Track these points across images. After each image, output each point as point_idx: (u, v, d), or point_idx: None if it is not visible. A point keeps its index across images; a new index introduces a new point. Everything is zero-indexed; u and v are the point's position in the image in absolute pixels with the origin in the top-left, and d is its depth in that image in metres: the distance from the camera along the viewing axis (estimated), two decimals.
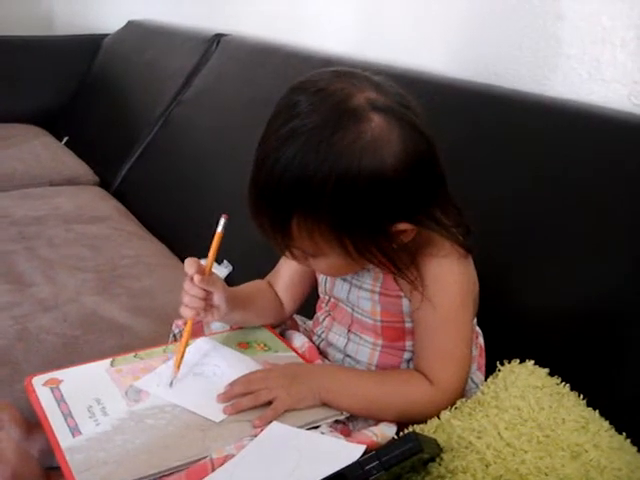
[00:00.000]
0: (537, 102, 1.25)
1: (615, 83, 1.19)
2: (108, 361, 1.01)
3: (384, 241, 0.86)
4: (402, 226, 0.86)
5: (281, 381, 0.91)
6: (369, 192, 0.81)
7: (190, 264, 0.96)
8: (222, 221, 0.97)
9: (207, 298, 0.97)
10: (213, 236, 0.97)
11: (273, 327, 1.11)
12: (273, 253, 1.15)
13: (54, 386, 0.94)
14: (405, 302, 0.95)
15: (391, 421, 0.90)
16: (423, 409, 0.88)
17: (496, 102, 1.28)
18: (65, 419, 0.88)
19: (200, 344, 1.02)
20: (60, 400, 0.91)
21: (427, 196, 0.87)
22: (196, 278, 0.95)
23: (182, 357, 0.96)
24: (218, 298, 0.98)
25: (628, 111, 1.15)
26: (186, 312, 0.97)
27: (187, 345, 0.97)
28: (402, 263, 0.89)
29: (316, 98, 0.82)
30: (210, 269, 0.97)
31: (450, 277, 0.91)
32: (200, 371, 0.97)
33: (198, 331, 1.10)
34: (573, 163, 1.10)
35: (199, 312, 0.97)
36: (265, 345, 1.05)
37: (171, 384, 0.94)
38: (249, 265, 1.10)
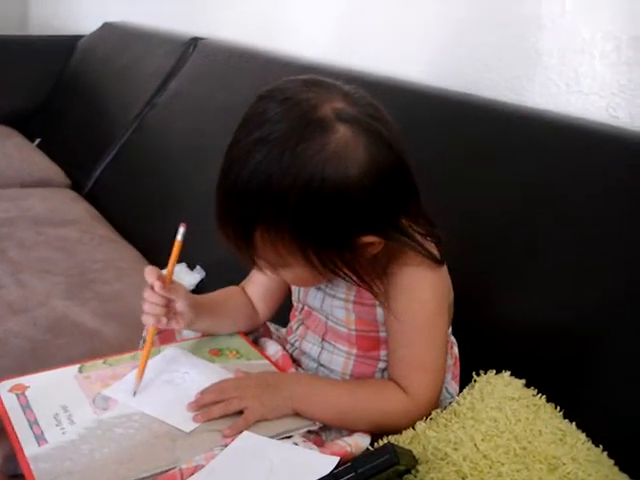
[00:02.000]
0: (515, 112, 1.25)
1: (593, 95, 1.20)
2: (76, 367, 0.99)
3: (349, 254, 0.84)
4: (368, 239, 0.84)
5: (253, 390, 0.89)
6: (333, 204, 0.80)
7: (150, 273, 0.96)
8: (181, 230, 0.96)
9: (169, 305, 0.96)
10: (172, 245, 0.96)
11: (246, 334, 1.09)
12: None
13: (20, 392, 0.92)
14: (380, 311, 0.94)
15: (365, 431, 0.89)
16: (397, 420, 0.88)
17: (473, 112, 1.28)
18: (31, 427, 0.85)
19: (169, 352, 1.01)
20: (26, 407, 0.89)
21: (394, 208, 0.86)
22: (156, 285, 0.94)
23: (144, 366, 0.94)
24: (181, 305, 0.97)
25: (606, 122, 1.16)
26: (147, 320, 0.97)
27: (149, 353, 0.95)
28: (369, 275, 0.88)
29: (283, 107, 0.81)
30: (170, 277, 0.97)
31: (423, 286, 0.90)
32: (169, 379, 0.95)
33: (170, 338, 1.08)
34: (551, 174, 1.10)
35: (160, 319, 0.96)
36: (237, 352, 1.03)
37: (134, 394, 0.92)
38: (223, 271, 1.09)
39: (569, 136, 1.13)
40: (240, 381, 0.93)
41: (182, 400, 0.90)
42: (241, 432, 0.85)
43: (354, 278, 0.87)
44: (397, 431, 0.86)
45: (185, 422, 0.87)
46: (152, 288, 0.95)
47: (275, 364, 1.01)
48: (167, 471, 0.79)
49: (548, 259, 1.05)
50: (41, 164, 2.46)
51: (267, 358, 1.03)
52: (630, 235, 0.97)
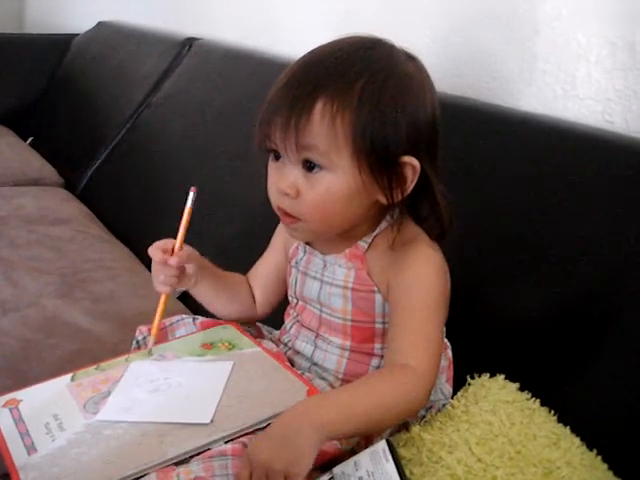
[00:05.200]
0: (511, 116, 1.25)
1: (589, 100, 1.19)
2: (69, 376, 0.99)
3: (392, 170, 0.87)
4: (409, 159, 0.87)
5: (270, 452, 0.74)
6: (394, 98, 0.85)
7: (155, 250, 1.01)
8: (191, 195, 1.01)
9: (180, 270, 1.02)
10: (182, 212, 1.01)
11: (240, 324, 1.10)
12: (245, 255, 1.14)
13: (13, 406, 0.93)
14: (378, 298, 0.93)
15: (395, 424, 0.87)
16: (418, 402, 0.84)
17: (469, 115, 1.28)
18: (22, 438, 0.86)
19: (136, 366, 1.00)
20: (18, 420, 0.90)
21: (434, 144, 0.91)
22: (172, 260, 0.99)
23: (157, 327, 1.04)
24: (190, 268, 1.03)
25: (601, 127, 1.16)
26: (162, 288, 1.02)
27: (162, 317, 1.04)
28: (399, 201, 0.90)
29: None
30: (181, 244, 1.01)
31: (429, 265, 0.91)
32: (154, 388, 0.94)
33: (162, 338, 1.08)
34: (546, 178, 1.10)
35: (174, 286, 1.02)
36: (230, 343, 1.03)
37: (150, 352, 1.01)
38: (221, 267, 1.09)
39: (565, 141, 1.13)
40: (251, 451, 0.76)
41: (180, 399, 0.91)
42: None
43: (390, 196, 0.88)
44: (419, 411, 0.87)
45: (200, 415, 0.87)
46: (165, 263, 1.00)
47: (268, 351, 1.01)
48: (154, 467, 0.79)
49: (542, 263, 1.05)
50: (34, 163, 2.45)
51: (260, 346, 1.02)
52: (626, 238, 0.97)
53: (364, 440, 0.87)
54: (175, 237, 1.01)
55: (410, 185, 0.88)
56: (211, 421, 0.85)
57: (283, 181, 0.89)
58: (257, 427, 0.85)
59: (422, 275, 0.90)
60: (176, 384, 0.94)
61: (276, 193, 0.91)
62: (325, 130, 0.84)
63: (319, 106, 0.84)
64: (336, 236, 0.95)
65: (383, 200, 0.89)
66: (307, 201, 0.88)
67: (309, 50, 0.91)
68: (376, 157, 0.86)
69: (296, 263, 1.02)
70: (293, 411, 0.79)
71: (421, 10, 1.53)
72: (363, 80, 0.85)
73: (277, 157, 0.90)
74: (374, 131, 0.85)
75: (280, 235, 1.08)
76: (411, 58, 0.92)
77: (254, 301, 1.11)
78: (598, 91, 1.18)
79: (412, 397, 0.83)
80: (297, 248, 1.03)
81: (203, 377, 0.95)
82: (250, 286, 1.11)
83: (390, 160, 0.86)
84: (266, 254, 1.12)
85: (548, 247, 1.05)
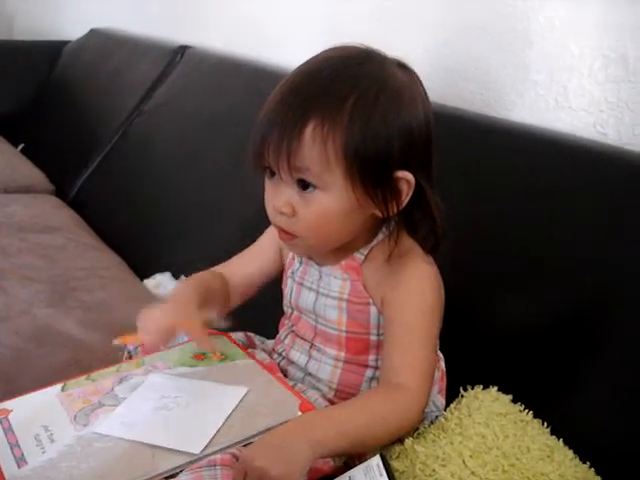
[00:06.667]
0: (503, 128, 1.25)
1: (582, 111, 1.20)
2: (59, 386, 0.98)
3: (386, 187, 0.86)
4: (403, 174, 0.86)
5: (265, 461, 0.75)
6: (385, 117, 0.84)
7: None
8: None
9: None
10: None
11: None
12: None
13: (3, 417, 0.92)
14: (373, 310, 0.93)
15: (387, 443, 0.86)
16: (412, 419, 0.85)
17: (462, 126, 1.28)
18: (11, 449, 0.85)
19: (154, 379, 0.98)
20: (7, 430, 0.89)
21: (428, 156, 0.90)
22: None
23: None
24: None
25: (594, 139, 1.16)
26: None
27: None
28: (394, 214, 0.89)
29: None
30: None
31: (422, 278, 0.91)
32: (162, 405, 0.92)
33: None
34: (538, 190, 1.10)
35: None
36: (222, 354, 1.03)
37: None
38: None
39: (557, 152, 1.13)
40: (246, 457, 0.77)
41: (180, 422, 0.89)
42: None
43: (385, 211, 0.88)
44: (413, 429, 0.86)
45: (192, 444, 0.83)
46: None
47: (260, 362, 1.00)
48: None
49: (536, 274, 1.05)
50: (25, 170, 2.44)
51: (252, 357, 1.02)
52: (619, 249, 0.98)
53: (357, 455, 0.86)
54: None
55: (405, 199, 0.88)
56: (201, 452, 0.82)
57: (278, 199, 0.89)
58: (249, 441, 0.84)
59: (417, 291, 0.90)
60: (184, 404, 0.92)
61: (272, 211, 0.91)
62: (317, 153, 0.84)
63: (309, 129, 0.83)
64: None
65: (379, 214, 0.89)
66: (303, 220, 0.88)
67: (300, 64, 0.90)
68: (369, 175, 0.85)
69: (292, 273, 1.02)
70: (288, 426, 0.81)
71: (414, 20, 1.54)
72: (353, 98, 0.84)
73: (272, 173, 0.89)
74: (366, 150, 0.84)
75: (275, 240, 1.06)
76: (403, 68, 0.91)
77: (228, 296, 1.08)
78: (591, 103, 1.19)
79: (406, 415, 0.84)
80: (293, 259, 1.02)
81: (213, 401, 0.93)
82: (226, 282, 1.08)
83: (384, 177, 0.86)
84: (252, 253, 1.11)
85: (541, 258, 1.06)
